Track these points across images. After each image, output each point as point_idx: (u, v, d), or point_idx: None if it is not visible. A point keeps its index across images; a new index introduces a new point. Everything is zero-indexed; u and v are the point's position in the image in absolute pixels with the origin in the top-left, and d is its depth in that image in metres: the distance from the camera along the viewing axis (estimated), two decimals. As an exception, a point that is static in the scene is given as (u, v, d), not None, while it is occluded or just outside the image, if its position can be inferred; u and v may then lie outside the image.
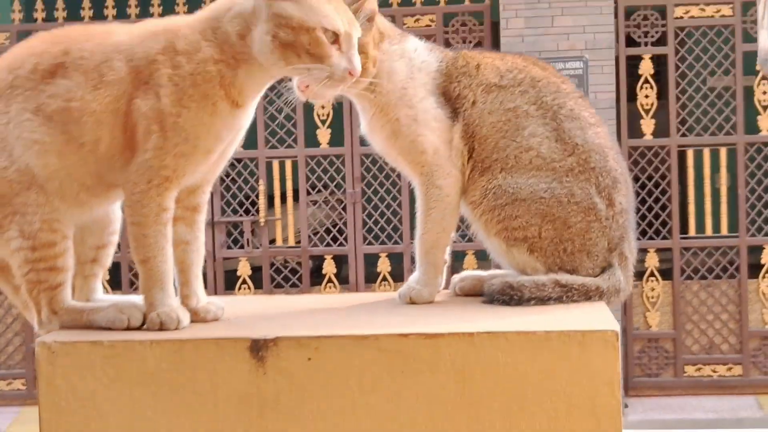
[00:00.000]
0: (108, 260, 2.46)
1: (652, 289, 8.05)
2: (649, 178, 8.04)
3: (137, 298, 2.32)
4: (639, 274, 8.01)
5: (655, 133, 8.01)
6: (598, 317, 2.24)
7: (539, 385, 2.10)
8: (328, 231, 8.67)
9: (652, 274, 8.04)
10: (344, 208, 8.36)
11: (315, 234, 8.60)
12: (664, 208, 8.03)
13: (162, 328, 2.22)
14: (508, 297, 2.39)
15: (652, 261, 8.01)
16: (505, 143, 2.45)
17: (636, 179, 7.75)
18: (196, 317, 2.31)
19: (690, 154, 8.06)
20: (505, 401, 2.10)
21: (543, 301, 2.38)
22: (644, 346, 8.05)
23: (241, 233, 8.55)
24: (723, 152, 8.01)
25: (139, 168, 2.22)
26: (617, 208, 2.47)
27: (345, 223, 8.40)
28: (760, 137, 7.97)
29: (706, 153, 8.02)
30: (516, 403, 2.10)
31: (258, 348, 2.13)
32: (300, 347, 2.13)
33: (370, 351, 2.12)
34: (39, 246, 2.26)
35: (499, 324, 2.18)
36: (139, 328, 2.24)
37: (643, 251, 7.94)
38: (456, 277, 2.60)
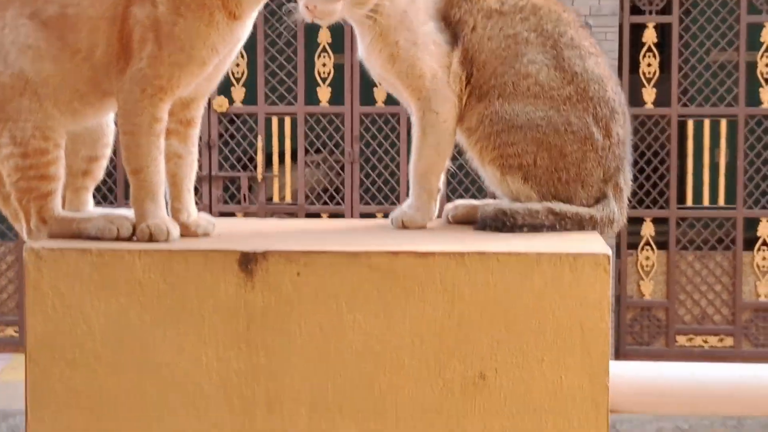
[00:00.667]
0: (100, 173, 2.44)
1: (647, 258, 8.05)
2: (649, 147, 8.03)
3: (128, 211, 2.30)
4: (634, 243, 8.00)
5: (656, 103, 8.01)
6: (590, 242, 2.23)
7: (528, 307, 2.09)
8: (325, 190, 8.66)
9: (647, 243, 8.04)
10: (342, 168, 8.34)
11: (312, 193, 8.59)
12: (662, 177, 8.02)
13: (151, 239, 2.20)
14: (501, 223, 2.37)
15: (648, 230, 8.01)
16: (503, 70, 2.43)
17: (635, 148, 7.73)
18: (187, 231, 2.29)
19: (690, 124, 8.05)
20: (494, 322, 2.09)
21: (536, 228, 2.36)
22: (637, 314, 8.06)
23: (238, 189, 8.54)
24: (723, 124, 8.00)
25: (133, 76, 2.20)
26: (614, 138, 2.45)
27: (342, 183, 8.39)
28: (761, 110, 7.96)
29: (707, 124, 8.01)
30: (504, 324, 2.09)
31: (247, 261, 2.12)
32: (289, 262, 2.11)
33: (361, 268, 2.11)
34: (30, 153, 2.24)
35: (491, 245, 2.17)
36: (128, 239, 2.23)
37: (639, 220, 7.93)
38: (449, 205, 2.59)
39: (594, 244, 2.22)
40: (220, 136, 8.40)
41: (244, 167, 8.54)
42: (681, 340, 7.97)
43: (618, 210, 2.46)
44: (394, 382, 2.11)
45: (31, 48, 2.24)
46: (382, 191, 8.21)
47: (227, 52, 2.28)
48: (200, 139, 8.26)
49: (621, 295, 7.82)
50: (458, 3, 2.48)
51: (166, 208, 2.29)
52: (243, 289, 2.12)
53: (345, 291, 2.11)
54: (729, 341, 7.93)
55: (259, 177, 8.37)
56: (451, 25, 2.47)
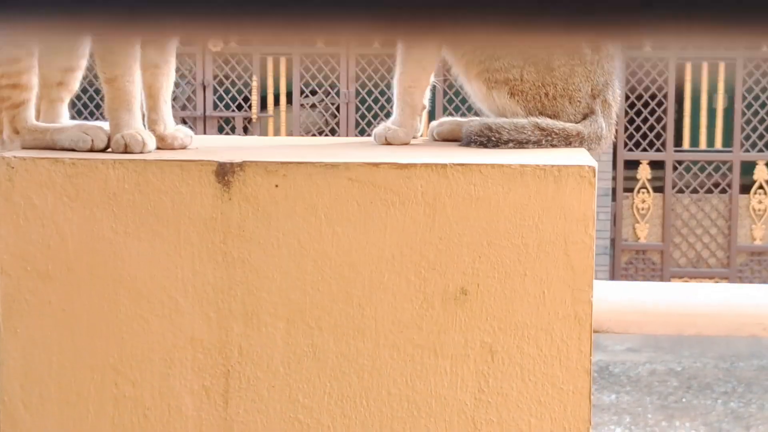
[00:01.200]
0: (75, 84, 2.39)
1: (643, 201, 8.01)
2: (646, 89, 7.96)
3: (103, 123, 2.25)
4: (630, 187, 7.95)
5: (654, 45, 7.93)
6: (575, 156, 2.18)
7: (511, 220, 2.04)
8: (320, 131, 8.60)
9: (643, 186, 7.99)
10: (337, 109, 8.28)
11: (307, 134, 8.53)
12: (659, 120, 7.96)
13: (126, 150, 2.15)
14: (486, 138, 2.32)
15: (645, 173, 7.96)
16: (489, -19, 2.36)
17: (632, 90, 7.66)
18: (163, 144, 2.24)
19: (688, 67, 7.98)
20: (476, 235, 2.04)
21: (521, 144, 2.31)
22: (632, 257, 8.03)
23: (233, 129, 8.48)
24: (721, 67, 7.93)
25: (107, -18, 2.14)
26: (603, 52, 2.39)
27: (338, 124, 8.33)
28: (760, 53, 7.88)
29: (705, 67, 7.94)
30: (486, 237, 2.04)
31: (224, 172, 2.07)
32: (267, 173, 2.06)
33: (340, 180, 2.05)
34: (3, 62, 2.18)
35: (474, 158, 2.11)
36: (103, 150, 2.17)
37: (635, 163, 7.88)
38: (434, 123, 2.53)
39: (579, 157, 2.17)
40: (215, 75, 8.33)
41: (239, 107, 8.47)
42: (676, 282, 7.94)
43: (606, 126, 2.41)
44: (373, 296, 2.06)
45: None
46: (377, 132, 8.15)
47: None
48: (194, 78, 8.21)
49: (616, 238, 7.79)
50: None
51: (143, 120, 2.24)
52: (219, 201, 2.07)
53: (324, 203, 2.06)
54: (724, 284, 7.89)
55: (254, 117, 8.31)
56: None
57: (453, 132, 2.47)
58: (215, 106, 8.36)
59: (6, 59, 2.18)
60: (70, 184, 2.08)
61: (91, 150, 2.17)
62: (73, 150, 2.17)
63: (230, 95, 8.51)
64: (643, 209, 7.97)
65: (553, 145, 2.32)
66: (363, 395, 2.07)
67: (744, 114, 7.92)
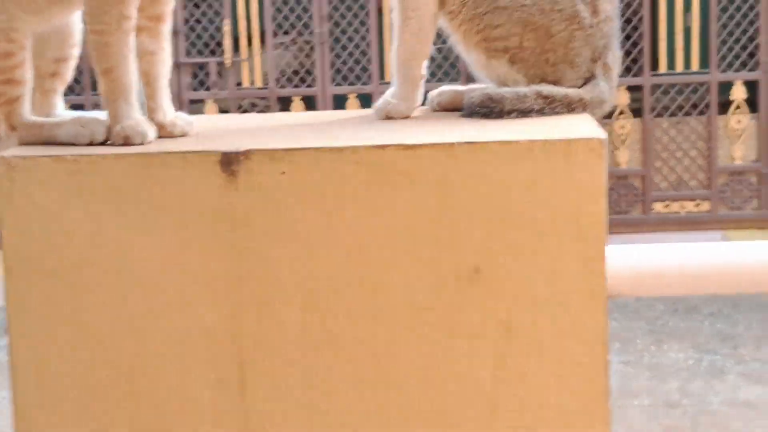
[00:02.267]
0: (69, 74, 2.34)
1: (622, 127, 8.00)
2: (621, 14, 7.92)
3: (101, 114, 2.22)
4: (609, 113, 7.94)
5: (627, -32, 7.88)
6: (582, 127, 2.16)
7: (522, 197, 2.02)
8: (296, 72, 8.54)
9: (621, 112, 7.98)
10: (312, 49, 8.22)
11: (283, 75, 8.47)
12: (635, 45, 7.93)
13: (127, 142, 2.12)
14: (488, 109, 2.29)
15: (623, 99, 7.94)
16: (485, -51, 2.33)
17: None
18: (163, 132, 2.21)
19: (662, -11, 7.95)
20: (487, 214, 2.03)
21: (524, 113, 2.29)
22: (613, 183, 8.03)
23: (207, 75, 8.40)
24: (695, -15, 7.90)
25: (99, -27, 2.10)
26: (602, 15, 2.36)
27: (313, 64, 8.27)
28: (733, -30, 7.86)
29: (679, -12, 7.91)
30: (497, 216, 2.03)
31: (229, 162, 2.04)
32: (273, 161, 2.04)
33: (347, 164, 2.03)
34: None
35: (480, 135, 2.09)
36: (103, 143, 2.14)
37: (613, 89, 7.85)
38: (434, 92, 2.50)
39: (586, 128, 2.15)
40: (186, 21, 8.24)
41: (212, 53, 8.39)
42: (658, 207, 7.95)
43: (608, 90, 2.38)
44: (386, 279, 2.05)
45: None
46: (353, 71, 8.10)
47: None
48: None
49: (597, 166, 7.77)
50: None
51: (141, 108, 2.20)
52: (226, 191, 2.04)
53: (332, 188, 2.04)
54: (705, 206, 7.92)
55: (228, 62, 8.23)
56: None
57: (454, 101, 2.45)
58: (188, 53, 8.27)
59: (-2, 54, 2.14)
60: (73, 181, 2.05)
61: (91, 143, 2.14)
62: (72, 144, 2.14)
63: (202, 41, 8.42)
64: (622, 135, 7.96)
65: (556, 113, 2.30)
66: (380, 379, 2.07)
67: (719, 34, 7.90)
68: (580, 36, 2.34)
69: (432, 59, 2.46)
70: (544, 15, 2.32)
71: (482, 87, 2.40)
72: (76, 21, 2.31)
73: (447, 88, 2.50)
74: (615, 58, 2.42)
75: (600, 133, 2.05)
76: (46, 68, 2.30)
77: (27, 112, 2.20)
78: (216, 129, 2.35)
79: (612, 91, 2.40)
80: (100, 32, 2.12)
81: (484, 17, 2.32)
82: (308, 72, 8.41)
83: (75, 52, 2.33)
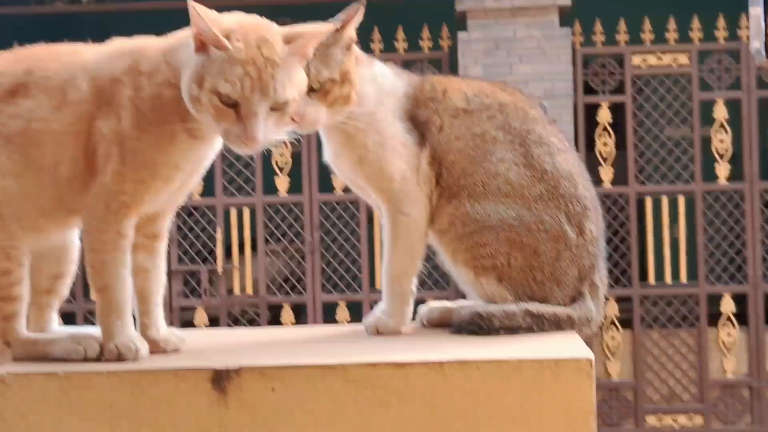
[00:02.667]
0: (65, 291, 2.38)
1: (612, 338, 8.01)
2: (608, 226, 8.03)
3: (94, 329, 2.24)
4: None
5: (614, 181, 8.02)
6: (570, 346, 2.19)
7: (512, 416, 2.04)
8: (286, 280, 8.60)
9: (612, 323, 8.01)
10: (302, 257, 8.29)
11: (273, 283, 8.52)
12: (623, 256, 8.02)
13: (120, 358, 2.14)
14: (477, 326, 2.33)
15: (612, 310, 7.98)
16: (472, 169, 2.40)
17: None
18: (156, 348, 2.23)
19: (649, 202, 8.07)
20: (476, 431, 2.04)
21: (513, 330, 2.32)
22: (605, 395, 8.00)
23: (198, 282, 8.45)
24: (681, 201, 8.03)
25: (97, 192, 2.15)
26: (588, 236, 2.42)
27: (303, 272, 8.33)
28: (718, 185, 7.99)
29: (665, 201, 8.03)
30: (487, 434, 2.03)
31: (220, 379, 2.06)
32: (263, 378, 2.06)
33: (337, 381, 2.05)
34: None
35: (470, 353, 2.12)
36: (96, 359, 2.16)
37: (602, 300, 7.90)
38: (423, 308, 2.54)
39: (575, 347, 2.18)
40: (179, 229, 8.34)
41: (204, 260, 8.46)
42: (651, 420, 7.90)
43: (595, 308, 2.43)
44: (375, 497, 2.04)
45: None
46: (344, 279, 8.15)
47: (192, 169, 2.23)
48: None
49: (588, 376, 7.76)
50: (425, 103, 2.46)
51: (134, 324, 2.23)
52: (217, 408, 2.06)
53: (322, 405, 2.05)
54: (699, 419, 7.87)
55: (219, 269, 8.30)
56: (418, 125, 2.44)
57: (443, 318, 2.48)
58: (180, 260, 8.34)
59: (-5, 272, 2.18)
60: (65, 398, 2.06)
61: (85, 360, 2.15)
62: (66, 360, 2.15)
63: (195, 248, 8.50)
64: (613, 346, 7.97)
65: (544, 331, 2.33)
66: None
67: (706, 247, 8.00)
68: (567, 255, 2.39)
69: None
70: (531, 234, 2.37)
71: (471, 304, 2.44)
72: (73, 237, 2.36)
73: (436, 304, 2.54)
74: (602, 277, 2.47)
75: (588, 353, 2.08)
76: (42, 284, 2.34)
77: (22, 328, 2.22)
78: (208, 344, 2.38)
79: (599, 309, 2.44)
80: (96, 250, 2.16)
81: (472, 236, 2.38)
82: (299, 280, 8.47)
83: (72, 268, 2.37)
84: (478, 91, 2.47)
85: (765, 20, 2.18)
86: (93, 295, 2.19)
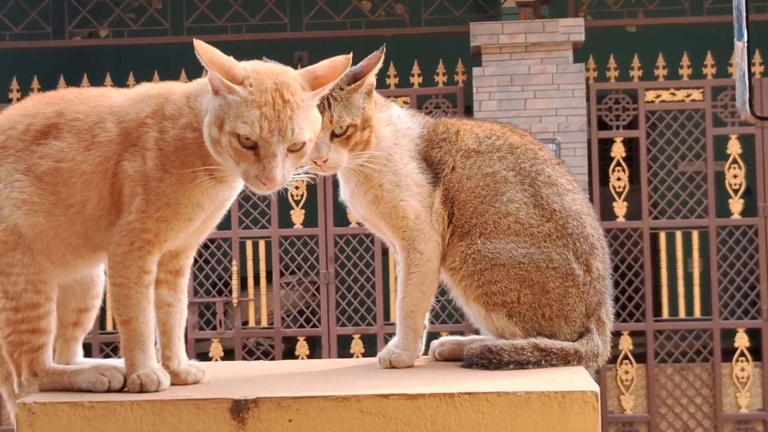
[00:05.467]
0: (90, 324, 2.46)
1: (626, 372, 8.05)
2: (622, 260, 8.08)
3: (118, 361, 2.32)
4: (613, 358, 7.99)
5: (628, 216, 8.07)
6: (577, 379, 2.26)
7: (519, 447, 2.10)
8: (301, 312, 8.66)
9: (626, 357, 8.04)
10: (317, 289, 8.36)
11: (288, 315, 8.58)
12: (637, 290, 8.07)
13: (142, 389, 2.22)
14: (487, 361, 2.40)
15: (626, 344, 8.02)
16: (483, 208, 2.48)
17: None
18: (177, 379, 2.31)
19: (662, 236, 8.12)
20: (486, 462, 2.10)
21: (522, 365, 2.39)
22: (619, 429, 8.04)
23: (214, 314, 8.52)
24: (695, 235, 8.07)
25: (122, 230, 2.23)
26: (594, 273, 2.50)
27: (318, 305, 8.39)
28: (731, 220, 8.04)
29: (679, 236, 8.08)
30: (496, 464, 2.10)
31: (239, 409, 2.13)
32: (281, 408, 2.13)
33: (351, 412, 2.12)
34: (22, 307, 2.26)
35: (480, 385, 2.19)
36: (119, 390, 2.24)
37: (616, 334, 7.93)
38: (435, 343, 2.62)
39: (581, 380, 2.25)
40: (195, 261, 8.41)
41: (220, 292, 8.54)
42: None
43: (602, 344, 2.50)
44: None
45: (25, 203, 2.27)
46: (358, 312, 8.21)
47: (213, 209, 2.32)
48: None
49: (602, 411, 7.79)
50: (438, 143, 2.54)
51: (156, 356, 2.31)
52: (235, 437, 2.13)
53: (336, 436, 2.12)
54: (712, 454, 7.92)
55: (235, 302, 8.37)
56: (432, 165, 2.53)
57: (454, 351, 2.55)
58: (195, 292, 8.42)
59: (25, 305, 2.26)
60: (90, 427, 2.14)
61: (109, 390, 2.23)
62: (90, 391, 2.23)
63: (210, 281, 8.58)
64: (626, 380, 8.01)
65: (552, 365, 2.40)
66: None
67: (720, 282, 8.03)
68: (575, 292, 2.47)
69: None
70: (540, 272, 2.45)
71: (482, 338, 2.51)
72: (98, 272, 2.44)
73: (448, 338, 2.61)
74: (608, 313, 2.54)
75: (594, 386, 2.15)
76: (69, 317, 2.42)
77: (49, 359, 2.30)
78: (226, 376, 2.45)
79: (606, 345, 2.51)
80: (120, 285, 2.25)
81: (483, 273, 2.45)
82: (313, 312, 8.53)
83: (97, 302, 2.46)
84: (490, 132, 2.56)
85: (749, 75, 2.26)
86: (114, 328, 2.27)
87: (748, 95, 2.23)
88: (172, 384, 2.28)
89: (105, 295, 2.47)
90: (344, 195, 2.57)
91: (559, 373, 2.34)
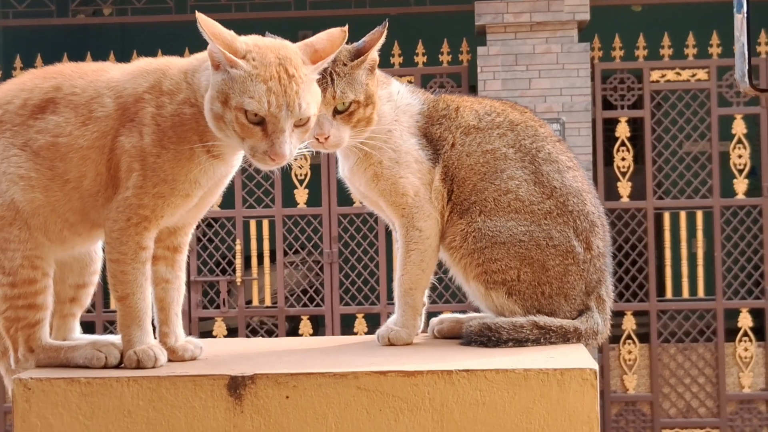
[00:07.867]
0: (87, 300, 2.45)
1: (629, 352, 8.04)
2: (626, 240, 8.07)
3: (115, 337, 2.31)
4: (616, 337, 8.01)
5: (632, 196, 8.05)
6: (575, 357, 2.25)
7: (517, 424, 2.10)
8: (304, 291, 8.66)
9: (629, 337, 8.03)
10: (321, 269, 8.35)
11: (292, 294, 8.58)
12: (641, 270, 8.05)
13: (139, 366, 2.21)
14: (486, 338, 2.39)
15: (630, 324, 8.01)
16: (483, 185, 2.46)
17: (613, 242, 7.76)
18: (174, 356, 2.30)
19: (667, 216, 8.10)
20: (484, 440, 2.10)
21: (521, 342, 2.38)
22: (621, 409, 8.04)
23: (217, 293, 8.52)
24: (699, 215, 8.05)
25: (119, 205, 2.22)
26: (595, 251, 2.48)
27: (322, 284, 8.39)
28: (736, 200, 8.02)
29: (683, 216, 8.06)
30: (494, 442, 2.09)
31: (235, 386, 2.12)
32: (278, 385, 2.12)
33: (349, 389, 2.12)
34: (19, 283, 2.25)
35: (478, 362, 2.18)
36: (116, 366, 2.23)
37: (620, 314, 7.96)
38: (434, 320, 2.60)
39: (580, 358, 2.24)
40: (198, 240, 8.41)
41: (223, 271, 8.53)
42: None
43: (602, 322, 2.48)
44: (385, 503, 2.10)
45: (22, 178, 2.26)
46: (362, 291, 8.20)
47: (211, 186, 2.30)
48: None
49: (605, 390, 7.79)
50: (438, 120, 2.52)
51: (154, 332, 2.30)
52: (232, 414, 2.13)
53: (334, 412, 2.12)
54: (715, 434, 7.92)
55: (238, 281, 8.36)
56: (431, 142, 2.51)
57: (453, 329, 2.54)
58: (199, 271, 8.41)
59: (22, 280, 2.25)
60: (86, 403, 2.13)
61: (105, 366, 2.22)
62: (87, 367, 2.22)
63: (214, 259, 8.57)
64: (630, 360, 8.00)
65: (551, 343, 2.39)
66: None
67: (724, 262, 8.02)
68: (575, 270, 2.45)
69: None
70: (540, 250, 2.43)
71: (481, 316, 2.50)
72: (96, 248, 2.43)
73: (447, 316, 2.60)
74: (608, 291, 2.53)
75: (593, 363, 2.13)
76: (66, 294, 2.41)
77: (46, 335, 2.29)
78: (224, 353, 2.44)
79: (606, 323, 2.50)
80: (117, 261, 2.23)
81: (483, 251, 2.44)
82: (317, 291, 8.53)
83: (94, 279, 2.45)
84: (490, 109, 2.54)
85: (748, 48, 2.23)
86: (113, 305, 2.26)
87: (747, 67, 2.21)
88: (170, 360, 2.27)
89: (104, 271, 2.46)
90: (343, 172, 2.55)
91: (558, 350, 2.33)
